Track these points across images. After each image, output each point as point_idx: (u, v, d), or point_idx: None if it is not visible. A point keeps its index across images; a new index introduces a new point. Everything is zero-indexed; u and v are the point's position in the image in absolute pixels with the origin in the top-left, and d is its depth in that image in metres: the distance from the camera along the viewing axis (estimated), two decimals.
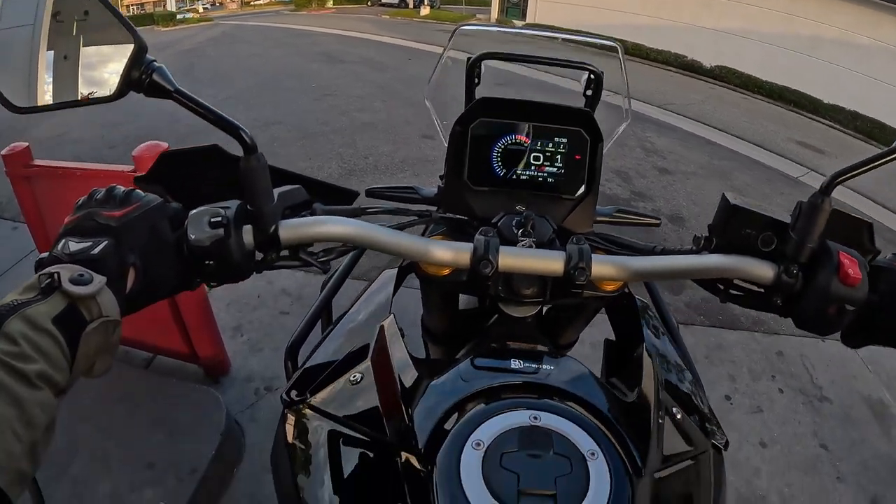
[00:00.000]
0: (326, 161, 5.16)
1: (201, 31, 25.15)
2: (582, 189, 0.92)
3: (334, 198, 0.80)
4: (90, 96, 0.62)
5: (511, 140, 0.91)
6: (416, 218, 0.79)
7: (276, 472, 0.74)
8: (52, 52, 0.60)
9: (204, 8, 48.05)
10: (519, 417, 0.60)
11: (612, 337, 1.06)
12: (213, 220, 0.59)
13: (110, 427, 2.09)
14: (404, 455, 0.62)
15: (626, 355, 0.90)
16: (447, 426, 0.62)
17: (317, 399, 0.73)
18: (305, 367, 0.83)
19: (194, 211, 0.60)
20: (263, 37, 18.95)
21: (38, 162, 2.19)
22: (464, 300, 1.11)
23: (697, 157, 6.46)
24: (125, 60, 0.58)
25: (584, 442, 0.58)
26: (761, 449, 2.36)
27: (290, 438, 0.74)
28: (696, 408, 0.81)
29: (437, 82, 1.10)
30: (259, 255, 0.65)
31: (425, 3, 31.85)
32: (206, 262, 0.60)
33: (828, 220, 0.62)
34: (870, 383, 2.83)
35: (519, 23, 21.81)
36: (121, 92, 0.59)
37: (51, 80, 0.60)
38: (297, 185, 0.71)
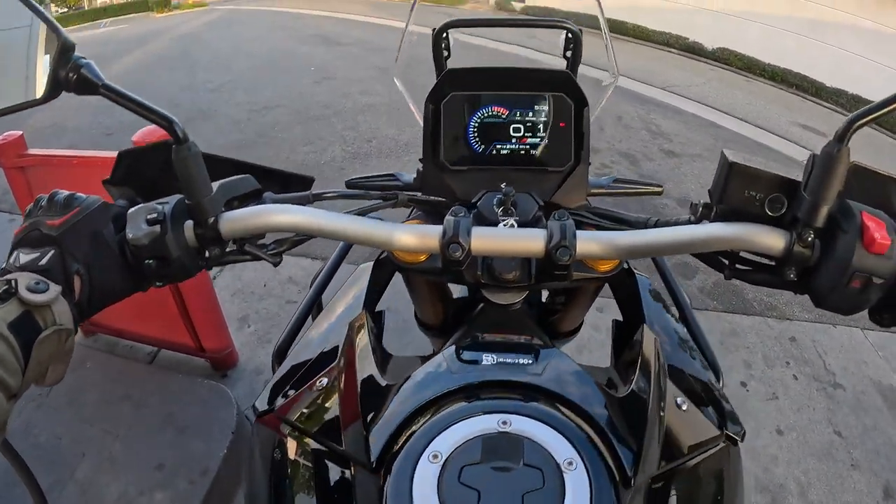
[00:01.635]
0: (329, 145, 5.10)
1: (196, 16, 24.90)
2: (571, 160, 0.85)
3: (290, 186, 0.74)
4: (16, 102, 0.59)
5: (487, 113, 0.85)
6: (381, 202, 0.73)
7: (246, 486, 0.71)
8: None
9: None
10: (485, 423, 0.53)
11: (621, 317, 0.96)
12: (149, 216, 0.57)
13: (116, 427, 2.05)
14: (358, 470, 0.57)
15: (631, 339, 0.82)
16: (404, 436, 0.55)
17: (285, 408, 0.68)
18: (280, 373, 0.77)
19: (132, 209, 0.58)
20: (259, 21, 18.70)
21: (32, 151, 2.14)
22: (458, 287, 1.04)
23: (703, 139, 6.37)
24: (52, 60, 0.56)
25: (561, 449, 0.51)
26: (778, 437, 2.34)
27: (258, 450, 0.69)
28: (707, 396, 0.73)
29: (408, 59, 1.06)
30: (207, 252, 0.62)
31: None
32: (147, 262, 0.57)
33: (847, 178, 0.52)
34: (880, 369, 2.81)
35: (518, 5, 21.62)
36: (50, 93, 0.57)
37: None
38: (245, 175, 0.67)
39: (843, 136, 0.52)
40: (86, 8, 49.26)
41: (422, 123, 0.88)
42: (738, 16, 16.01)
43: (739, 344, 2.89)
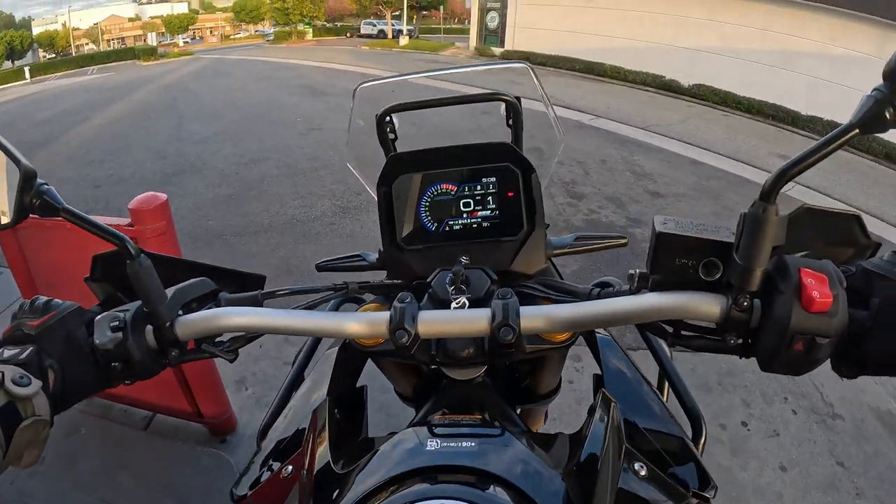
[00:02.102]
0: (319, 199, 5.13)
1: (183, 65, 25.52)
2: (524, 227, 0.86)
3: (244, 284, 0.78)
4: None
5: (436, 191, 0.87)
6: (331, 292, 0.75)
7: None
8: None
9: (184, 42, 48.76)
10: None
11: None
12: (112, 324, 0.61)
13: (115, 497, 2.02)
14: None
15: None
16: None
17: (256, 495, 0.70)
18: (260, 455, 0.77)
19: (98, 316, 0.63)
20: (245, 70, 19.30)
21: None
22: None
23: (686, 178, 6.52)
24: (15, 188, 0.60)
25: None
26: (782, 473, 2.33)
27: None
28: (677, 455, 0.70)
29: (356, 143, 1.07)
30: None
31: (404, 33, 32.40)
32: (114, 364, 0.62)
33: (790, 228, 0.51)
34: (878, 396, 2.83)
35: (498, 50, 22.25)
36: (17, 219, 0.61)
37: None
38: (200, 278, 0.71)
39: (768, 195, 0.50)
40: (73, 54, 49.97)
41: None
42: (711, 52, 16.53)
43: (737, 383, 2.90)
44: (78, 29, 66.78)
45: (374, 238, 4.00)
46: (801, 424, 2.62)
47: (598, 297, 0.65)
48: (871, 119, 0.46)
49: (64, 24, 69.61)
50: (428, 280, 0.77)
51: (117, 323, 0.61)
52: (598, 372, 0.88)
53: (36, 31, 70.95)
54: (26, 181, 0.59)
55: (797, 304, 0.48)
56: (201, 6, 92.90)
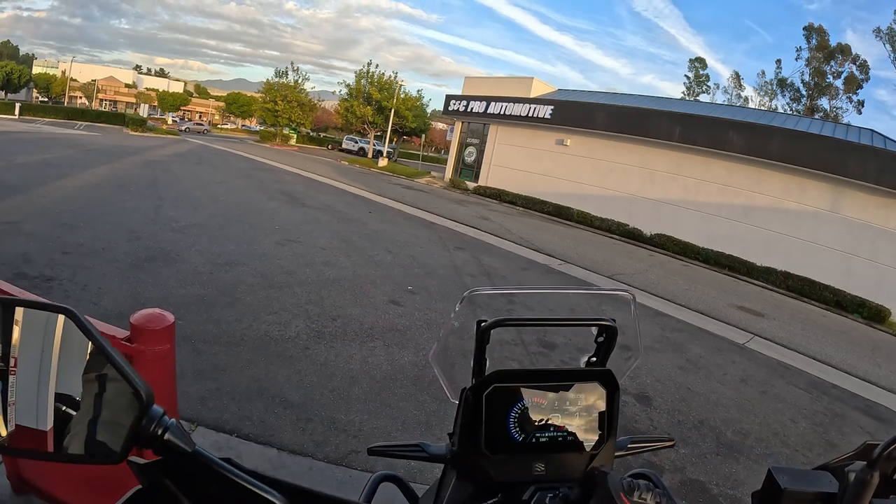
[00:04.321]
0: (294, 317, 5.02)
1: (168, 143, 26.02)
2: (603, 440, 0.90)
3: None
4: (92, 453, 0.56)
5: (529, 403, 0.89)
6: None
7: None
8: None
9: (173, 121, 49.76)
10: None
11: None
12: None
13: None
14: None
15: None
16: None
17: None
18: None
19: None
20: (228, 164, 19.72)
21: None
22: None
23: (651, 330, 6.74)
24: (131, 414, 0.54)
25: None
26: None
27: None
28: None
29: (445, 344, 1.04)
30: None
31: (383, 154, 33.63)
32: None
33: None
34: None
35: (471, 184, 23.27)
36: (125, 452, 0.55)
37: (50, 426, 0.56)
38: None
39: (874, 463, 0.58)
40: (65, 104, 49.83)
41: (454, 400, 0.92)
42: (675, 203, 17.79)
43: None
44: (76, 81, 67.64)
45: (348, 370, 4.05)
46: None
47: None
48: None
49: (63, 72, 70.58)
50: (524, 498, 0.80)
51: None
52: None
53: (36, 70, 72.10)
54: (146, 409, 0.54)
55: None
56: (196, 89, 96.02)
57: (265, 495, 0.57)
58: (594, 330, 1.05)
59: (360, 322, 5.20)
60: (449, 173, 25.79)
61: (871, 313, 12.77)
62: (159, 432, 0.55)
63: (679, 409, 4.43)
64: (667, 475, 3.34)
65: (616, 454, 0.99)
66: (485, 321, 0.97)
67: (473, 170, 24.43)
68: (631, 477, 0.74)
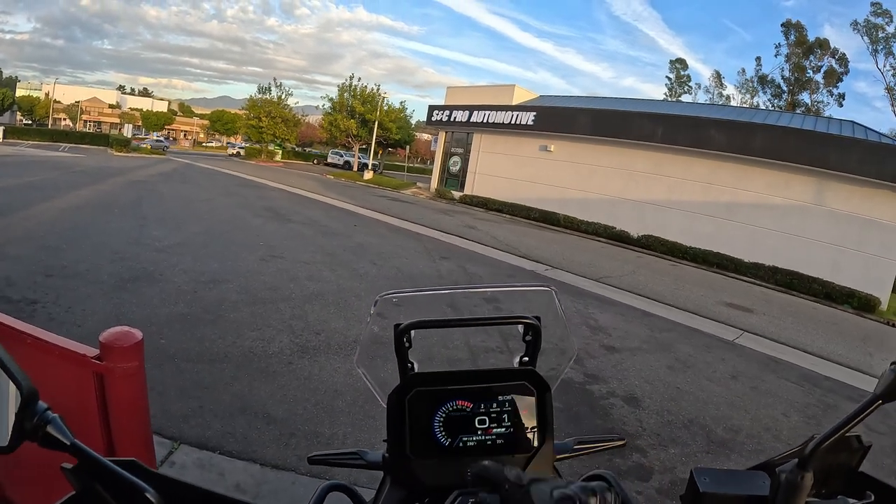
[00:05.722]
0: (277, 333, 4.97)
1: (153, 163, 25.93)
2: (536, 443, 0.88)
3: None
4: None
5: (452, 407, 0.88)
6: None
7: None
8: None
9: (157, 140, 49.62)
10: None
11: None
12: None
13: None
14: None
15: None
16: None
17: None
18: None
19: None
20: (212, 182, 19.64)
21: None
22: None
23: (639, 331, 6.74)
24: (13, 408, 0.56)
25: None
26: None
27: None
28: None
29: (367, 348, 1.06)
30: None
31: (369, 167, 33.74)
32: None
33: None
34: None
35: (457, 194, 23.27)
36: (14, 444, 0.56)
37: None
38: None
39: (805, 464, 0.57)
40: (49, 126, 49.71)
41: (383, 404, 0.90)
42: (658, 204, 17.85)
43: None
44: (59, 102, 67.67)
45: (332, 383, 3.99)
46: None
47: None
48: (893, 390, 0.54)
49: (47, 94, 70.61)
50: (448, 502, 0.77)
51: None
52: None
53: (19, 93, 71.74)
54: (27, 404, 0.55)
55: None
56: (180, 108, 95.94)
57: (140, 489, 0.57)
58: (520, 328, 1.04)
59: (343, 335, 5.14)
60: (434, 183, 25.80)
61: (861, 303, 12.89)
62: (41, 426, 0.56)
63: (668, 409, 4.40)
64: (656, 476, 3.32)
65: (560, 457, 0.97)
66: (399, 324, 0.97)
67: (459, 179, 24.44)
68: (586, 479, 0.72)
